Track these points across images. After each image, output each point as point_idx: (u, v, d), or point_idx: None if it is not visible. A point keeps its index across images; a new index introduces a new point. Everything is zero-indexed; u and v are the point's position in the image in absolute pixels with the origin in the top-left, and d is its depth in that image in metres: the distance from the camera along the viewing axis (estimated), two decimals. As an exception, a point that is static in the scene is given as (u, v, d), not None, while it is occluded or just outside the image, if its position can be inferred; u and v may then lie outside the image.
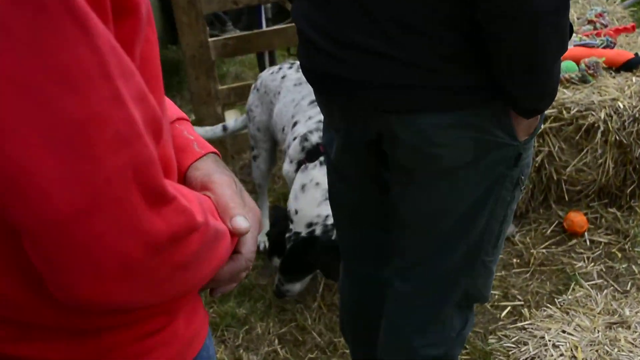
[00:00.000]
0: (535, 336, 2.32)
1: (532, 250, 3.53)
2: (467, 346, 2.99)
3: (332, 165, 2.17)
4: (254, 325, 3.20)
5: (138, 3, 0.94)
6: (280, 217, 3.10)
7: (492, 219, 1.95)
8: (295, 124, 3.24)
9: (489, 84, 1.73)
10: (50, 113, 0.80)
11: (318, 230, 2.97)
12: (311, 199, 3.00)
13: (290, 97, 3.38)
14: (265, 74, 3.65)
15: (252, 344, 3.12)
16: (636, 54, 3.73)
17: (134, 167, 0.84)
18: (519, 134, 1.83)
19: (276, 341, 3.12)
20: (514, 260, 3.50)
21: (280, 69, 3.60)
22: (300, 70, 3.49)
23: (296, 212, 3.00)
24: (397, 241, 2.09)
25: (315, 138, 3.09)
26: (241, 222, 1.10)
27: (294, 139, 3.17)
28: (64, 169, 0.81)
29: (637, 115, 3.47)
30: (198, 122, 4.27)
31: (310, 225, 2.98)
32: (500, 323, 3.11)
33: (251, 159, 3.78)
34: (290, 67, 3.57)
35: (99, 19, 0.83)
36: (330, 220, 2.95)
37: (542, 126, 3.35)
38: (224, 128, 3.92)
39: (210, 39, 4.15)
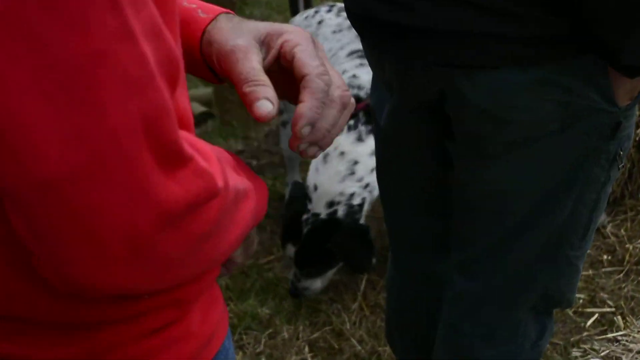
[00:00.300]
0: (630, 350, 2.37)
1: (627, 245, 3.52)
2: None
3: (381, 132, 2.18)
4: (279, 328, 3.22)
5: None
6: (297, 195, 3.11)
7: (580, 203, 1.93)
8: None
9: (581, 33, 1.69)
10: (43, 51, 0.78)
11: (341, 212, 2.99)
12: (333, 173, 3.02)
13: (326, 47, 3.37)
14: (299, 19, 3.69)
15: (277, 351, 3.14)
16: None
17: (145, 118, 0.83)
18: (620, 98, 1.80)
19: (306, 349, 3.14)
20: (605, 256, 3.49)
21: (316, 12, 3.62)
22: (340, 14, 3.54)
23: (315, 187, 3.03)
24: (460, 228, 2.10)
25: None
26: (262, 106, 1.07)
27: None
28: (59, 119, 0.80)
29: None
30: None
31: (331, 204, 3.00)
32: (586, 334, 3.09)
33: (279, 124, 3.82)
34: (330, 11, 3.58)
35: None
36: (357, 199, 2.99)
37: None
38: None
39: None
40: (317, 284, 3.11)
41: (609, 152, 1.88)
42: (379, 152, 2.26)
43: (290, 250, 3.04)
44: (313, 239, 2.96)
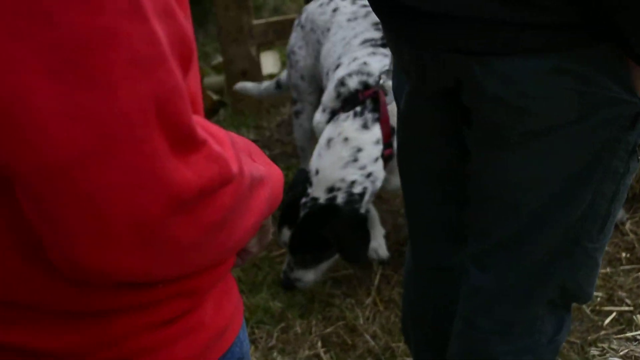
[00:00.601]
0: None
1: None
2: (560, 359, 2.95)
3: (401, 117, 2.20)
4: (291, 322, 3.24)
5: None
6: (300, 180, 3.12)
7: (599, 194, 1.93)
8: (338, 66, 3.25)
9: (594, 22, 1.70)
10: (51, 29, 0.78)
11: (340, 198, 2.99)
12: (336, 158, 3.02)
13: (340, 35, 3.39)
14: (313, 6, 3.68)
15: (289, 345, 3.15)
16: None
17: (157, 99, 0.83)
18: (639, 88, 1.81)
19: (319, 343, 3.15)
20: (623, 254, 3.48)
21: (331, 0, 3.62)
22: (356, 2, 3.53)
23: (317, 172, 3.03)
24: (477, 219, 2.11)
25: (353, 83, 3.12)
26: None
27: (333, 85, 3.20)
28: (67, 100, 0.80)
29: None
30: (227, 65, 4.32)
31: (331, 190, 3.00)
32: (603, 332, 3.09)
33: (292, 114, 3.81)
34: None
35: None
36: (358, 188, 3.00)
37: None
38: (278, 84, 3.93)
39: None
40: (310, 275, 3.12)
41: (629, 143, 1.88)
42: (399, 138, 2.28)
43: (286, 234, 3.04)
44: (309, 223, 2.97)
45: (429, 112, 2.09)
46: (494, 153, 1.97)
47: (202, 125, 0.92)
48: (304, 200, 3.00)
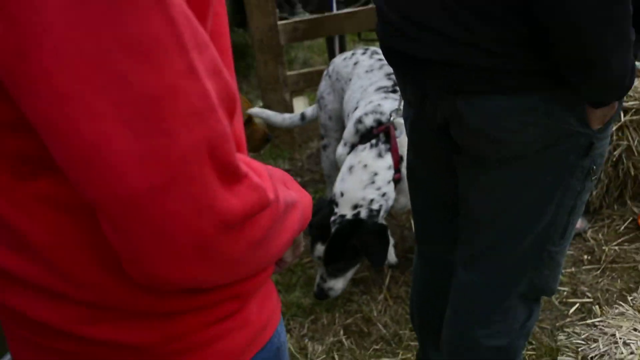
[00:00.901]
0: (605, 333, 2.32)
1: (604, 247, 3.56)
2: (534, 342, 3.05)
3: (409, 140, 2.24)
4: (319, 315, 3.28)
5: None
6: (322, 205, 3.09)
7: (560, 208, 1.96)
8: (356, 108, 3.26)
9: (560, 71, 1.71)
10: (123, 87, 0.78)
11: (363, 213, 2.99)
12: (357, 181, 3.03)
13: (359, 84, 3.41)
14: (338, 60, 3.69)
15: (317, 333, 3.22)
16: None
17: (209, 143, 0.83)
18: (592, 122, 1.82)
19: (341, 332, 3.21)
20: (585, 256, 3.54)
21: (353, 54, 3.64)
22: (372, 56, 3.55)
23: (342, 194, 3.03)
24: (463, 229, 2.14)
25: (369, 121, 3.13)
26: None
27: (352, 123, 3.21)
28: (138, 145, 0.80)
29: None
30: (266, 108, 4.30)
31: (355, 207, 3.01)
32: (569, 320, 3.14)
33: (320, 147, 3.83)
34: (364, 53, 3.60)
35: None
36: (376, 205, 3.01)
37: (623, 119, 3.38)
38: (302, 117, 3.91)
39: (279, 22, 4.19)
40: (340, 283, 3.10)
41: (584, 167, 1.91)
42: (409, 157, 2.30)
43: (319, 249, 3.01)
44: (341, 236, 2.96)
45: (427, 139, 2.12)
46: (476, 176, 2.00)
47: (245, 162, 0.93)
48: (333, 218, 3.00)
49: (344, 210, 3.02)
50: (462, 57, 1.78)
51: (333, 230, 2.99)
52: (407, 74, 2.01)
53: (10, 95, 0.81)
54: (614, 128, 3.49)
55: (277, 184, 1.03)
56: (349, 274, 3.13)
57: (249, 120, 3.33)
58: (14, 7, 0.74)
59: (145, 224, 0.84)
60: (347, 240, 2.97)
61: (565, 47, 1.67)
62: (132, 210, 0.82)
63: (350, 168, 3.08)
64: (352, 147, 3.16)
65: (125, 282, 0.95)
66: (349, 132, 3.21)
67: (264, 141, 3.37)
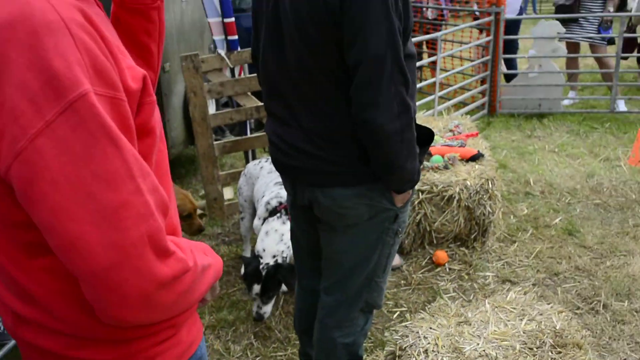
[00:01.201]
0: (413, 331, 2.31)
1: (413, 275, 3.52)
2: (371, 337, 2.97)
3: (290, 214, 2.20)
4: (238, 326, 3.14)
5: (154, 127, 0.95)
6: (249, 260, 3.01)
7: (381, 255, 1.96)
8: (263, 196, 3.24)
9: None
10: (94, 201, 0.79)
11: (280, 259, 2.94)
12: (273, 240, 2.98)
13: (264, 181, 3.38)
14: (250, 165, 3.65)
15: (237, 338, 3.06)
16: (478, 151, 3.85)
17: (149, 235, 0.83)
18: (397, 202, 1.85)
19: (252, 336, 3.06)
20: (402, 281, 3.47)
21: (259, 161, 3.60)
22: (272, 163, 3.54)
23: (264, 250, 2.96)
24: (324, 269, 2.10)
25: (274, 202, 3.11)
26: None
27: (261, 206, 3.20)
28: (104, 237, 0.80)
29: (478, 189, 3.57)
30: (207, 195, 4.25)
31: (274, 256, 2.94)
32: (392, 322, 3.10)
33: (240, 219, 3.75)
34: (267, 161, 3.56)
35: (128, 139, 0.83)
36: (285, 254, 2.95)
37: (420, 197, 3.46)
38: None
39: (215, 142, 4.15)
40: (269, 307, 2.99)
41: (393, 230, 1.92)
42: (292, 226, 2.24)
43: (256, 288, 2.92)
44: (270, 275, 2.90)
45: (301, 215, 2.09)
46: (330, 236, 1.98)
47: (175, 242, 0.92)
48: (261, 266, 2.92)
49: (267, 259, 2.95)
50: (318, 166, 1.78)
51: (264, 273, 2.92)
52: (286, 175, 1.98)
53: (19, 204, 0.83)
54: (415, 202, 3.56)
55: (197, 253, 1.00)
56: (273, 300, 3.03)
57: (189, 216, 3.26)
58: (30, 154, 0.78)
59: (108, 287, 0.82)
60: (274, 277, 2.90)
61: (378, 159, 1.70)
62: (99, 279, 0.82)
63: (266, 232, 3.03)
64: (264, 220, 3.11)
65: (97, 320, 0.92)
66: (261, 211, 3.16)
67: (199, 231, 3.31)
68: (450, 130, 4.36)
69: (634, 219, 4.10)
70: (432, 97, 5.71)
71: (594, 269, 3.50)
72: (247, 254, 3.69)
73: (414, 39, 5.83)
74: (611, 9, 6.35)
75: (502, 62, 6.46)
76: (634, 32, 7.20)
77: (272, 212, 3.10)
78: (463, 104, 6.45)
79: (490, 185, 3.61)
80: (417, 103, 5.53)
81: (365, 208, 1.83)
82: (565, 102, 6.74)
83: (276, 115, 1.88)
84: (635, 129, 5.49)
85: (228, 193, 4.49)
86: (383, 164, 1.70)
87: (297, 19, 1.63)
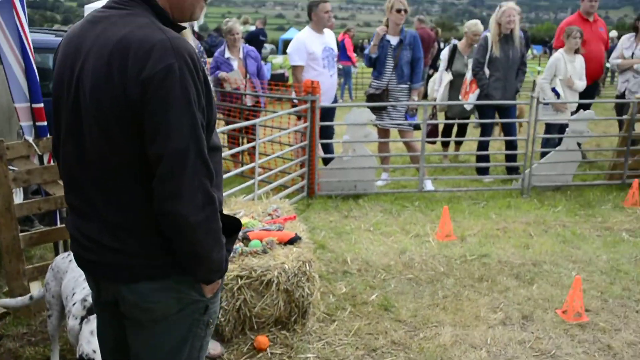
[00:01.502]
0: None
1: None
2: None
3: (96, 313, 2.12)
4: None
5: None
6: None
7: (192, 348, 1.92)
8: (74, 293, 3.09)
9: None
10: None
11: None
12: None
13: (72, 275, 3.24)
14: (59, 258, 3.49)
15: None
16: (296, 234, 4.03)
17: None
18: (206, 293, 1.84)
19: None
20: None
21: (68, 254, 3.45)
22: None
23: (94, 351, 2.72)
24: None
25: (90, 299, 2.92)
26: None
27: (74, 304, 3.00)
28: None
29: (296, 272, 3.71)
30: (10, 292, 3.99)
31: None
32: None
33: (47, 317, 3.52)
34: None
35: None
36: None
37: (239, 282, 3.52)
38: (31, 298, 3.61)
39: (20, 234, 3.96)
40: None
41: (204, 321, 1.91)
42: (97, 322, 2.13)
43: None
44: None
45: (107, 310, 2.00)
46: (138, 331, 1.91)
47: None
48: None
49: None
50: (119, 260, 1.75)
51: None
52: (87, 271, 1.93)
53: None
54: (235, 288, 3.60)
55: None
56: None
57: None
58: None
59: None
60: None
61: (184, 251, 1.71)
62: None
63: (91, 332, 2.79)
64: (82, 319, 2.90)
65: None
66: (77, 310, 2.94)
67: (3, 316, 3.06)
68: (269, 214, 4.51)
69: (443, 290, 4.49)
70: (252, 181, 5.90)
71: (409, 342, 3.74)
72: (56, 355, 3.47)
73: (233, 125, 6.09)
74: (416, 98, 7.19)
75: (320, 146, 6.89)
76: (437, 118, 8.27)
77: (90, 311, 2.93)
78: (283, 186, 6.74)
79: (307, 267, 3.77)
80: (237, 187, 5.70)
81: (173, 301, 1.81)
82: (379, 182, 7.37)
83: (77, 208, 1.83)
84: (441, 206, 6.08)
85: (35, 288, 4.21)
86: (189, 256, 1.71)
87: (98, 112, 1.63)
